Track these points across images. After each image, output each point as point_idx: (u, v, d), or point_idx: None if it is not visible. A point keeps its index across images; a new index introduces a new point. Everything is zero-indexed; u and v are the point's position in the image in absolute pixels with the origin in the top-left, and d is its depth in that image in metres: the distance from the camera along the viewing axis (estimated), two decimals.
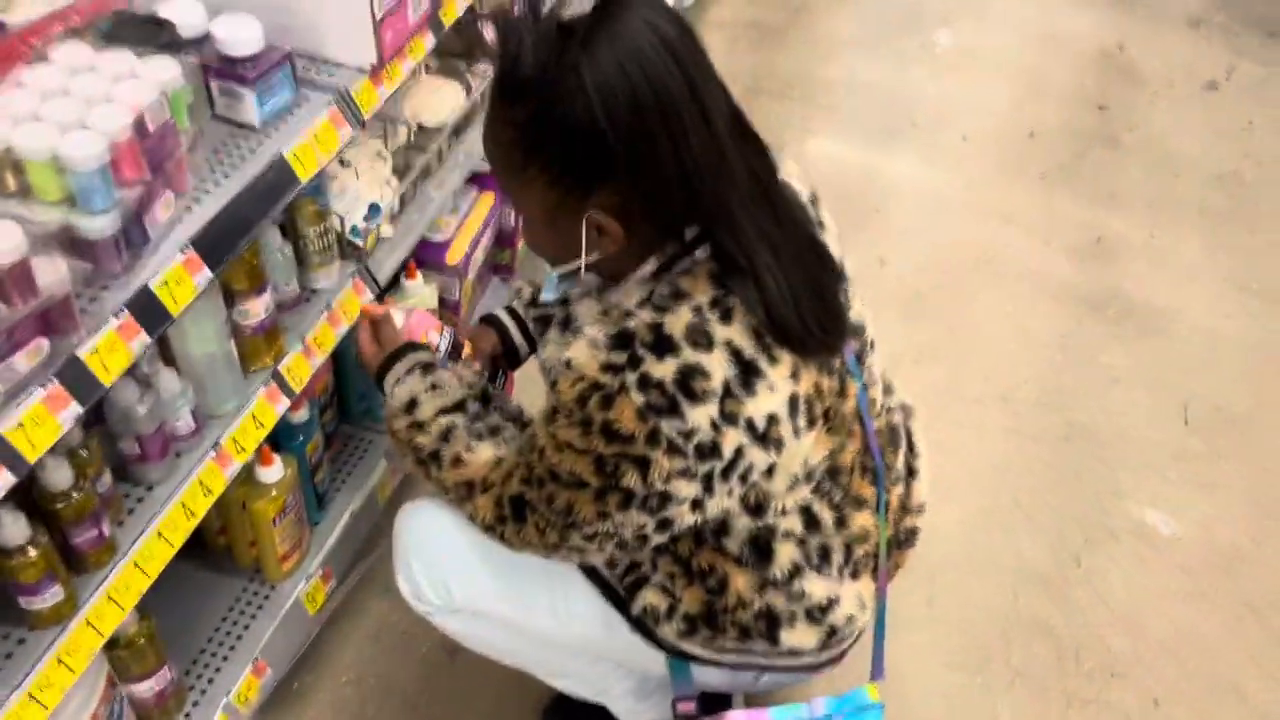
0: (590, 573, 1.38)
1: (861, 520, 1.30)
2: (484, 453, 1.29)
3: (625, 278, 1.21)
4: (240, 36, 1.31)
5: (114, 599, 1.26)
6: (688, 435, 1.08)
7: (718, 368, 1.09)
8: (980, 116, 3.38)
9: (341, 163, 1.75)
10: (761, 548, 1.25)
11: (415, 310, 1.55)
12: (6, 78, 1.16)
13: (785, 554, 1.25)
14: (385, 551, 2.02)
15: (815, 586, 1.28)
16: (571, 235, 1.15)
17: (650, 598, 1.32)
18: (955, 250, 2.88)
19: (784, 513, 1.23)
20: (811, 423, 1.17)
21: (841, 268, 1.28)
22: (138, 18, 1.32)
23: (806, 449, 1.19)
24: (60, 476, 1.17)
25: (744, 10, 3.82)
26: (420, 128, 1.90)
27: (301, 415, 1.69)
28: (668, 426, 1.08)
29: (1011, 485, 2.28)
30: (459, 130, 1.98)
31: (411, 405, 1.35)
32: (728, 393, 1.09)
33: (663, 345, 1.09)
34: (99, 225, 1.12)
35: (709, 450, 1.10)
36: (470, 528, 1.33)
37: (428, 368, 1.40)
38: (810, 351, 1.16)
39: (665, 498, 1.13)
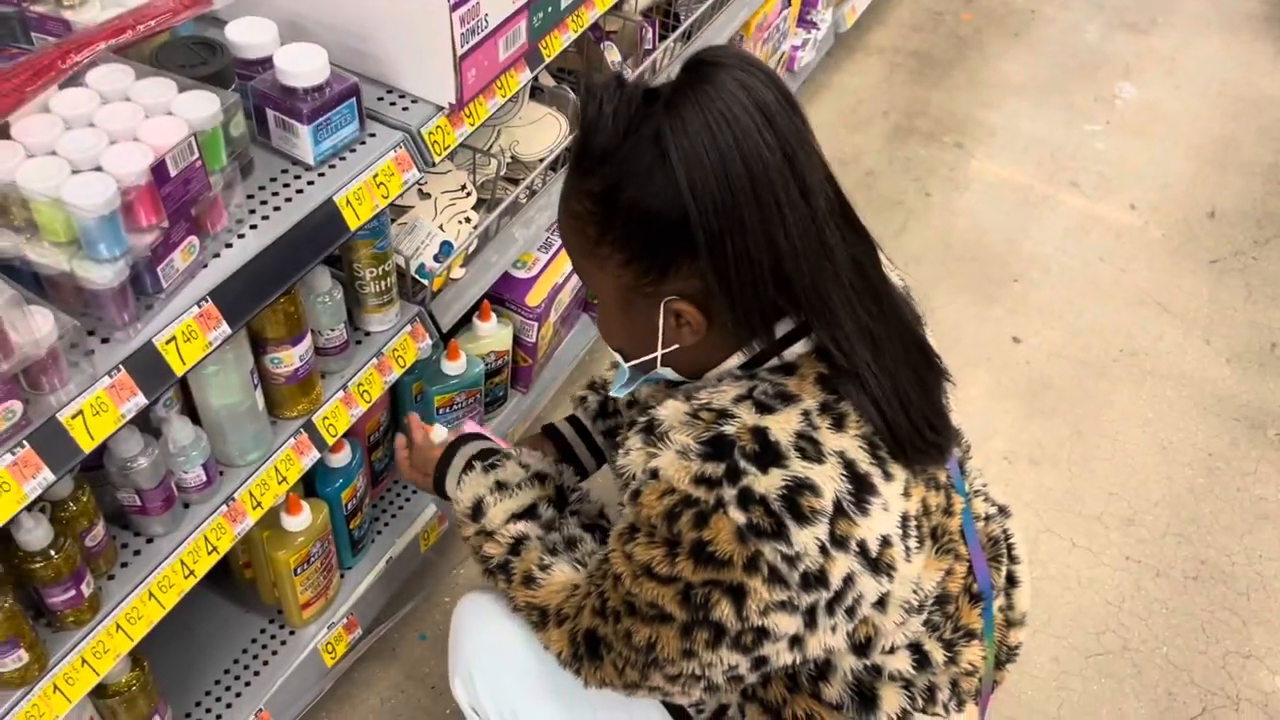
0: (674, 711, 1.25)
1: (970, 655, 1.16)
2: (558, 574, 1.17)
3: (705, 375, 1.07)
4: (301, 68, 1.19)
5: (89, 662, 1.17)
6: (792, 561, 0.94)
7: (829, 483, 0.95)
8: (1153, 185, 3.05)
9: (420, 193, 1.63)
10: (865, 694, 1.10)
11: (465, 424, 1.43)
12: (36, 99, 1.07)
13: (891, 700, 1.11)
14: (420, 602, 1.93)
15: None
16: (647, 324, 1.03)
17: None
18: (1098, 337, 2.59)
19: (891, 651, 1.09)
20: (920, 543, 1.03)
21: (944, 368, 1.12)
22: (194, 40, 1.22)
23: (917, 572, 1.05)
24: (36, 536, 1.08)
25: (908, 38, 3.55)
26: (514, 159, 1.77)
27: (341, 458, 1.58)
28: (770, 551, 0.93)
29: (1122, 626, 2.01)
30: (558, 164, 1.83)
31: (477, 510, 1.24)
32: (839, 512, 0.95)
33: (767, 455, 0.94)
34: (103, 274, 1.02)
35: (815, 579, 0.95)
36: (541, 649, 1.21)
37: (488, 459, 1.28)
38: (921, 459, 1.02)
39: (761, 634, 0.98)
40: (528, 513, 1.22)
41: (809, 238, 0.94)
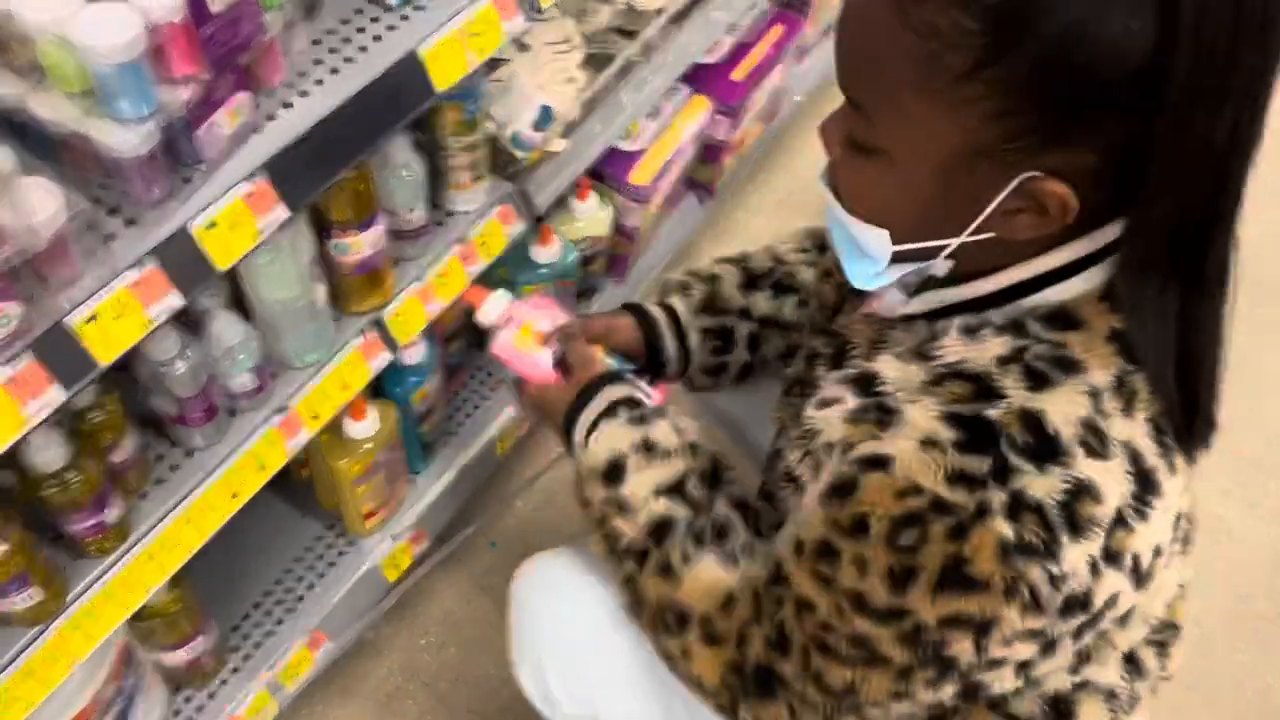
0: None
1: (1179, 653, 0.98)
2: (704, 570, 0.93)
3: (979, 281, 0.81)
4: None
5: (116, 596, 1.00)
6: (1057, 583, 0.73)
7: (1113, 486, 0.74)
8: None
9: (519, 45, 1.37)
10: (1062, 709, 0.91)
11: (532, 297, 1.17)
12: None
13: (1090, 713, 0.91)
14: (493, 514, 1.76)
15: None
16: (969, 199, 0.75)
17: None
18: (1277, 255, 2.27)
19: (1104, 663, 0.89)
20: (1183, 546, 0.88)
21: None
22: None
23: (1172, 581, 0.90)
24: (48, 457, 0.89)
25: None
26: (629, 7, 1.48)
27: (415, 355, 1.36)
28: (1038, 572, 0.72)
29: (1277, 590, 1.78)
30: (681, 17, 1.54)
31: (615, 471, 0.98)
32: (1118, 521, 0.74)
33: (1045, 449, 0.73)
34: (125, 139, 0.79)
35: (1078, 603, 0.75)
36: (627, 625, 1.00)
37: (635, 408, 1.01)
38: (1198, 445, 0.81)
39: (994, 664, 0.78)
40: (675, 488, 0.97)
41: (1258, 126, 0.69)
